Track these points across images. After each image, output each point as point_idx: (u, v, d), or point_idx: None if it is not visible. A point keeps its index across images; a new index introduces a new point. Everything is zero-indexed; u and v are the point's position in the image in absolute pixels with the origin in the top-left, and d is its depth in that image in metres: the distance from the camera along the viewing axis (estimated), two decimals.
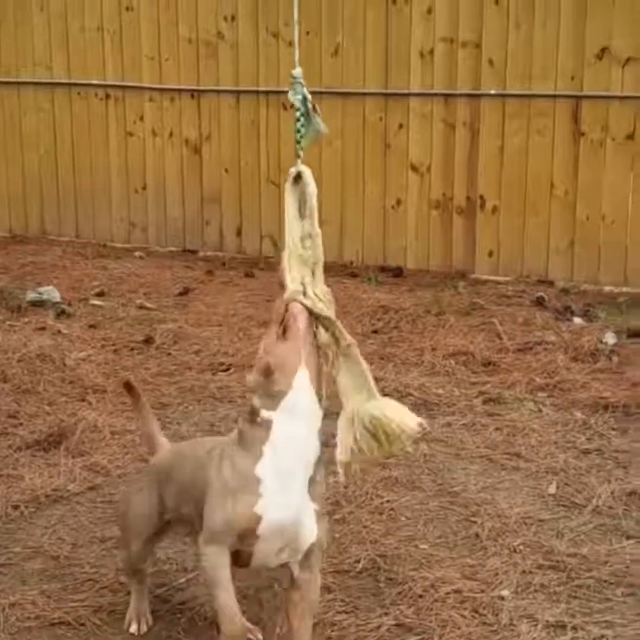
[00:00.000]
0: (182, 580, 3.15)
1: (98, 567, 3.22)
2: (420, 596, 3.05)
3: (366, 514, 3.57)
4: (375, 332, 5.68)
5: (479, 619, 2.95)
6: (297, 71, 2.71)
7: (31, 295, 6.13)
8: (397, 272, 6.93)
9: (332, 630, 2.89)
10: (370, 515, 3.56)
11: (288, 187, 2.61)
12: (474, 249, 6.86)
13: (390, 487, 3.77)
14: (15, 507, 3.58)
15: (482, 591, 3.08)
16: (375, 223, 7.12)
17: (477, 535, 3.42)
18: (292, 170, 2.62)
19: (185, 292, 6.47)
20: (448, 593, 3.06)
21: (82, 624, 2.91)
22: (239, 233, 7.52)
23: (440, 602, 3.02)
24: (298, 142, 2.69)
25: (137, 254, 7.54)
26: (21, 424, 4.30)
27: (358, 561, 3.24)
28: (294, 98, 2.73)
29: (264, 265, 7.18)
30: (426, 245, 7.01)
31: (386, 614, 2.97)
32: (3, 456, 3.99)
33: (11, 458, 3.98)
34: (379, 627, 2.91)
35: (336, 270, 6.98)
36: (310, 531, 2.54)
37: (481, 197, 6.77)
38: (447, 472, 3.92)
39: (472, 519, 3.53)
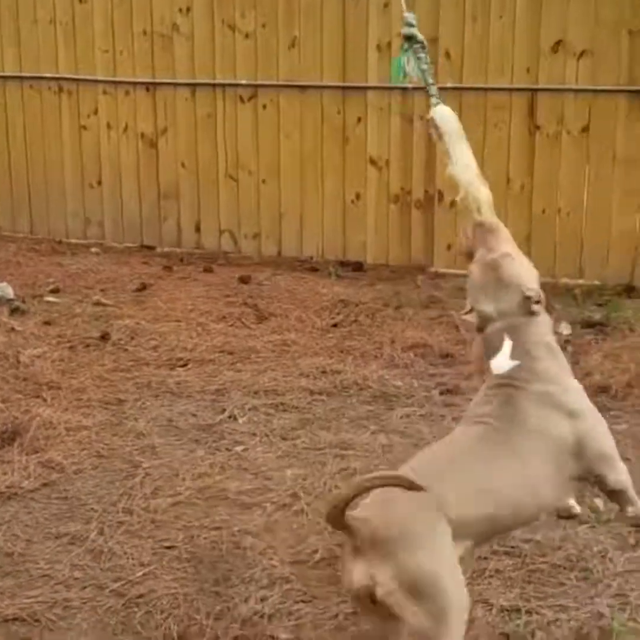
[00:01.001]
0: (139, 574, 3.12)
1: (53, 563, 3.18)
2: None
3: (324, 505, 3.56)
4: (334, 325, 5.67)
5: None
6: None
7: None
8: (357, 267, 6.93)
9: (289, 620, 2.88)
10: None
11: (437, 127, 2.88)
12: (433, 242, 6.87)
13: (349, 478, 3.76)
14: None
15: None
16: (335, 217, 7.10)
17: None
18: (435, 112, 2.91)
19: (142, 288, 6.41)
20: None
21: (37, 620, 2.89)
22: (197, 228, 7.47)
23: None
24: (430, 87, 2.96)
25: (93, 250, 7.45)
26: None
27: (316, 551, 3.24)
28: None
29: (223, 260, 7.14)
30: (385, 239, 7.01)
31: (344, 602, 2.97)
32: None
33: None
34: (336, 615, 2.91)
35: (296, 265, 6.99)
36: None
37: (439, 191, 6.79)
38: (404, 463, 3.92)
39: None
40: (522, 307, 2.72)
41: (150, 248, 7.52)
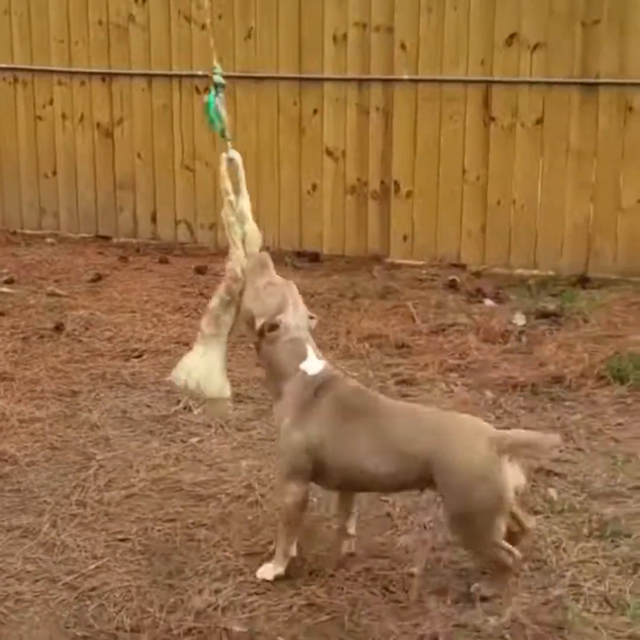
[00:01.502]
0: (92, 567, 3.11)
1: (5, 556, 3.16)
2: (331, 576, 3.07)
3: (278, 497, 3.57)
4: None
5: (389, 596, 2.98)
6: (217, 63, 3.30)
7: None
8: (313, 257, 6.94)
9: (243, 612, 2.89)
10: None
11: (223, 170, 3.23)
12: (389, 233, 6.91)
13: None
14: None
15: (393, 569, 3.12)
16: (291, 208, 7.11)
17: (388, 514, 3.46)
18: (224, 156, 3.25)
19: (97, 278, 6.36)
20: (359, 572, 3.10)
21: None
22: (153, 219, 7.43)
23: (352, 581, 3.05)
24: (222, 133, 3.28)
25: (48, 240, 7.38)
26: None
27: (270, 542, 3.24)
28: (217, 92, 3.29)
29: (179, 251, 7.12)
30: (342, 230, 7.03)
31: (297, 594, 2.99)
32: None
33: None
34: (290, 607, 2.92)
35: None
36: None
37: (395, 182, 6.82)
38: None
39: (383, 498, 3.56)
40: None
41: (106, 238, 7.47)
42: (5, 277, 6.31)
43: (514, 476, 2.89)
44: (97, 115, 7.37)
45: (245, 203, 3.25)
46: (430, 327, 5.43)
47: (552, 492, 3.62)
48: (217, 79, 3.28)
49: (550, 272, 6.48)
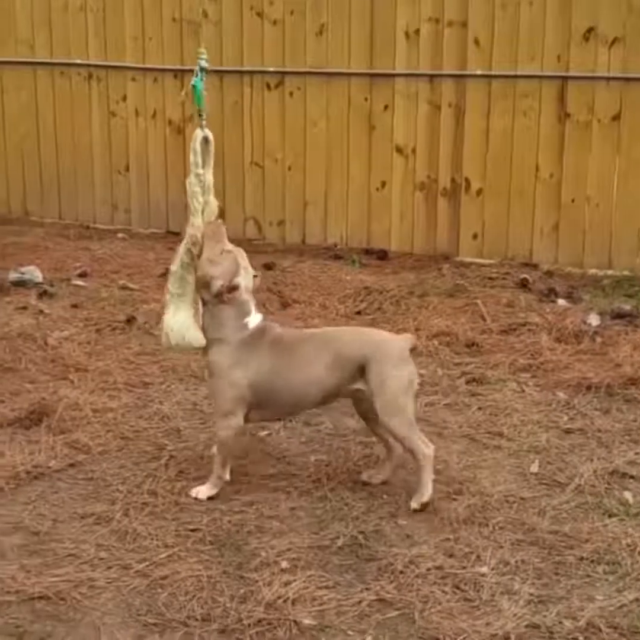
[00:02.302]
0: (163, 555, 3.13)
1: (79, 542, 3.20)
2: (401, 572, 3.05)
3: (347, 491, 3.56)
4: (358, 313, 5.67)
5: (460, 594, 2.95)
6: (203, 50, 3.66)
7: (13, 276, 6.09)
8: (381, 255, 6.91)
9: (313, 605, 2.88)
10: (351, 493, 3.55)
11: (197, 146, 3.62)
12: (458, 231, 6.84)
13: (372, 465, 3.77)
14: None
15: (463, 568, 3.08)
16: (360, 205, 7.09)
17: (458, 512, 3.42)
18: (200, 133, 3.62)
19: (167, 273, 6.41)
20: (429, 569, 3.07)
21: (62, 599, 2.89)
22: (222, 215, 7.43)
23: (421, 578, 3.02)
24: (200, 113, 3.66)
25: (119, 235, 7.49)
26: (2, 402, 4.28)
27: (338, 537, 3.24)
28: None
29: (247, 247, 7.11)
30: (410, 227, 6.99)
31: (367, 589, 2.97)
32: None
33: None
34: (359, 602, 2.90)
35: (320, 252, 6.98)
36: None
37: (466, 179, 6.76)
38: None
39: (454, 496, 3.53)
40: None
41: (176, 234, 7.51)
42: (79, 271, 6.42)
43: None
44: (169, 112, 7.45)
45: (209, 177, 3.68)
46: (500, 326, 5.36)
47: (628, 495, 3.55)
48: (203, 63, 3.65)
49: (626, 272, 6.35)
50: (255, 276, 3.64)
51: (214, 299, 3.51)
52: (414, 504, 3.43)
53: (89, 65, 7.63)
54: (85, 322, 5.38)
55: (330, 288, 6.07)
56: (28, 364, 4.71)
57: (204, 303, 3.55)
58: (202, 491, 3.51)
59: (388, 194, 7.00)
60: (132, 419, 4.17)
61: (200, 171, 3.63)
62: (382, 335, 3.69)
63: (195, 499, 3.48)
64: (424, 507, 3.41)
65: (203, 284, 3.53)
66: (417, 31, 6.69)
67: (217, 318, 3.53)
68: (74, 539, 3.22)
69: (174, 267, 3.60)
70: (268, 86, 7.12)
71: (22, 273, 6.11)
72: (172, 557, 3.12)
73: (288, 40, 7.05)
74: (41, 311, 5.51)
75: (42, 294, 5.84)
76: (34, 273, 6.15)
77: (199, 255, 3.53)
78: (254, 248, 7.07)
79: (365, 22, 6.82)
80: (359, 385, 3.51)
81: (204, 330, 3.54)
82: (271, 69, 7.11)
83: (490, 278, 6.31)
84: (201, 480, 3.59)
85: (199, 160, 3.63)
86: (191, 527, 3.30)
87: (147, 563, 3.09)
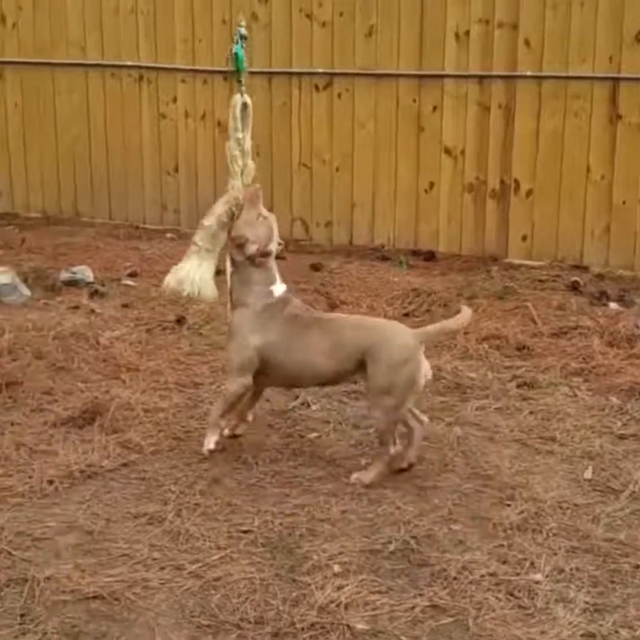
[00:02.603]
0: (216, 557, 3.15)
1: (132, 542, 3.22)
2: (455, 578, 3.03)
3: (399, 495, 3.55)
4: (406, 315, 5.65)
5: (514, 601, 2.93)
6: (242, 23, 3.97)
7: (65, 275, 6.17)
8: (429, 256, 6.89)
9: (365, 610, 2.87)
10: (403, 497, 3.54)
11: (237, 111, 3.90)
12: (507, 233, 6.79)
13: (424, 469, 3.75)
14: (50, 482, 3.60)
15: (517, 574, 3.06)
16: (408, 206, 7.07)
17: (511, 518, 3.39)
18: (239, 99, 3.90)
19: (216, 273, 6.43)
20: (482, 575, 3.05)
21: (116, 599, 2.92)
22: None
23: (475, 585, 3.00)
24: (239, 79, 3.94)
25: (168, 235, 7.55)
26: (56, 401, 4.33)
27: (390, 542, 3.23)
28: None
29: (294, 247, 7.15)
30: (459, 229, 6.96)
31: (420, 595, 2.96)
32: (38, 432, 4.02)
33: (46, 434, 4.00)
34: (413, 608, 2.89)
35: (367, 254, 6.97)
36: None
37: (515, 180, 6.71)
38: (480, 456, 3.90)
39: (506, 502, 3.51)
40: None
41: None
42: (129, 271, 6.49)
43: (425, 368, 3.60)
44: (219, 113, 7.49)
45: (248, 141, 3.90)
46: (551, 329, 5.31)
47: None
48: (242, 31, 3.90)
49: None
50: (280, 244, 3.78)
51: (245, 261, 3.67)
52: (354, 476, 3.62)
53: (139, 67, 7.70)
54: (135, 321, 5.43)
55: (377, 289, 6.06)
56: (80, 363, 4.76)
57: (233, 264, 3.72)
58: (207, 441, 3.75)
59: (436, 195, 6.97)
60: (183, 419, 4.20)
61: (240, 135, 3.88)
62: (388, 333, 3.67)
63: (208, 451, 3.74)
64: (359, 483, 3.58)
65: (238, 245, 3.67)
66: (467, 32, 6.65)
67: (245, 281, 3.71)
68: (128, 538, 3.25)
69: (208, 222, 3.76)
70: (316, 87, 7.13)
71: (74, 273, 6.19)
72: (225, 559, 3.13)
73: (337, 42, 7.05)
74: (93, 311, 5.57)
75: (93, 294, 5.90)
76: (85, 273, 6.22)
77: (238, 216, 3.67)
78: (300, 249, 7.12)
79: (415, 24, 6.80)
80: (359, 376, 3.66)
81: (231, 291, 3.73)
82: (320, 70, 7.11)
83: (540, 280, 6.26)
84: (254, 481, 3.61)
85: (239, 125, 3.87)
86: (243, 528, 3.32)
87: (200, 564, 3.11)
